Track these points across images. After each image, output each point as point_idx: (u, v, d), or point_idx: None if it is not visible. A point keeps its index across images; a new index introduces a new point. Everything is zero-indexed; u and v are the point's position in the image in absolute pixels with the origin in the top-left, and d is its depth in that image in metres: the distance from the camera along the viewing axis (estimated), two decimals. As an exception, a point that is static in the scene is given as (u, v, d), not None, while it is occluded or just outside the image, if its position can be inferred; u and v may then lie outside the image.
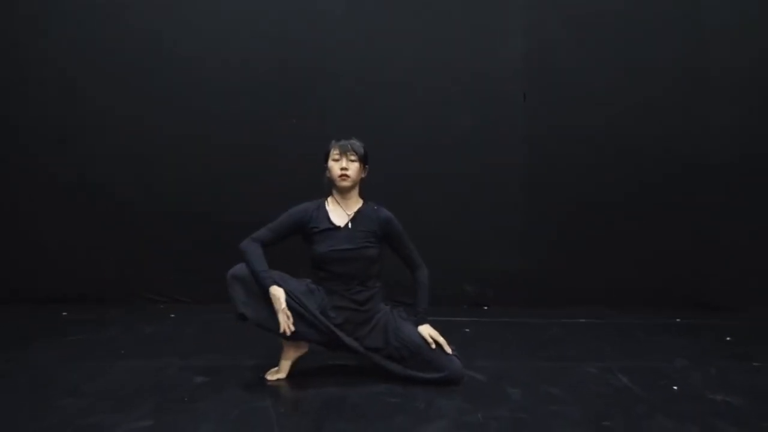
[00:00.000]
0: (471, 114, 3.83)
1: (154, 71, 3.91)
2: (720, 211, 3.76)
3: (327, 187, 2.57)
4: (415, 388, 2.36)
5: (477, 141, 3.83)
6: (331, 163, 2.52)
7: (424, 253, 2.60)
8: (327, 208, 2.53)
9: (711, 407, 2.17)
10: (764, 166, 3.69)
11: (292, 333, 2.36)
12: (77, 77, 3.92)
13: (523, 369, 2.62)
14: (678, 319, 3.51)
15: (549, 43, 3.82)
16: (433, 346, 2.42)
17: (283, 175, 3.78)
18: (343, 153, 2.49)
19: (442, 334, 2.48)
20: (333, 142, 2.54)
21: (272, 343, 2.57)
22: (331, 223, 2.49)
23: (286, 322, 2.33)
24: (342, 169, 2.48)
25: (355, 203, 2.55)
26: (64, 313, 3.71)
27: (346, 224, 2.49)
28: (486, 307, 3.84)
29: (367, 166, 2.56)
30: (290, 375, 2.50)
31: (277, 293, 2.33)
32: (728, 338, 3.11)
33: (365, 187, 2.60)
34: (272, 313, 2.34)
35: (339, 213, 2.52)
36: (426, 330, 2.46)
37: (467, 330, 3.10)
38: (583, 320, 3.49)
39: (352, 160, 2.49)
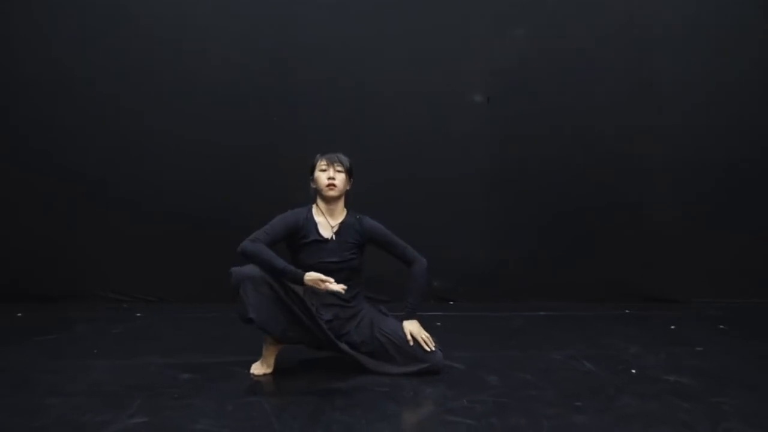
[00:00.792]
0: (436, 115, 3.98)
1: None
2: (664, 211, 4.03)
3: (313, 199, 2.64)
4: (400, 377, 2.48)
5: (440, 141, 3.98)
6: (318, 174, 2.59)
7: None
8: (315, 219, 2.59)
9: (666, 387, 2.41)
10: (704, 165, 4.00)
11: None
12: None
13: (497, 358, 2.79)
14: (627, 311, 3.80)
15: (515, 50, 3.97)
16: (412, 343, 2.54)
17: (258, 174, 3.89)
18: (330, 164, 2.57)
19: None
20: (319, 155, 2.62)
21: (248, 338, 2.66)
22: (319, 234, 2.56)
23: (335, 286, 2.34)
24: (329, 179, 2.55)
25: (340, 214, 2.63)
26: (19, 314, 3.59)
27: (332, 236, 2.57)
28: (452, 302, 4.03)
29: (352, 179, 2.65)
30: (276, 369, 2.56)
31: (313, 275, 2.36)
32: (672, 327, 3.40)
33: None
34: (274, 315, 2.37)
35: (325, 224, 2.59)
36: (409, 327, 2.57)
37: (438, 324, 3.24)
38: (543, 313, 3.72)
39: (339, 171, 2.58)
